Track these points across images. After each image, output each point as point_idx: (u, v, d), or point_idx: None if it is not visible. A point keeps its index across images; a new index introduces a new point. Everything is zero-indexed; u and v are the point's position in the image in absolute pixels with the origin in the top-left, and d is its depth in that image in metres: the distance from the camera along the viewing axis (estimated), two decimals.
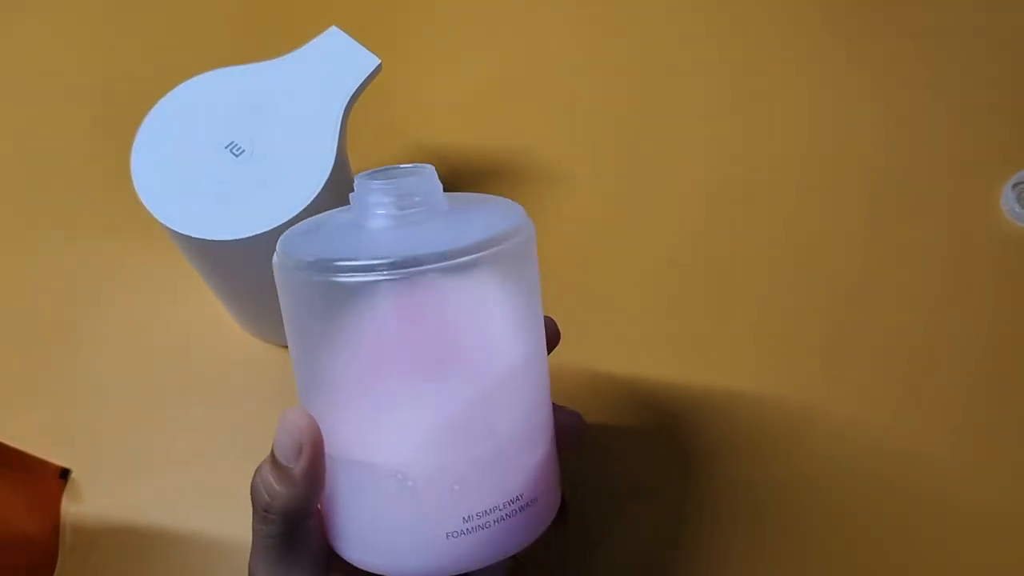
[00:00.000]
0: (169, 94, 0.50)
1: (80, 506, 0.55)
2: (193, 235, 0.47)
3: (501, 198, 0.40)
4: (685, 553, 0.53)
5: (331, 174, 0.48)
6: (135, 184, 0.48)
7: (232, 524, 0.54)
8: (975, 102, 0.65)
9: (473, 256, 0.33)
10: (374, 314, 0.33)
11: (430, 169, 0.37)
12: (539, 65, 0.68)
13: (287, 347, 0.57)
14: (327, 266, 0.33)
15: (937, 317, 0.59)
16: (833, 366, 0.58)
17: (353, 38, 0.50)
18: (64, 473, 0.56)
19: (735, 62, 0.68)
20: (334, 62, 0.50)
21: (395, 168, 0.37)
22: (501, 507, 0.35)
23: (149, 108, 0.50)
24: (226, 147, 0.48)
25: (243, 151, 0.48)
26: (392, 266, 0.33)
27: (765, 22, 0.69)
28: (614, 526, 0.54)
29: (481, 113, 0.66)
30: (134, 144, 0.49)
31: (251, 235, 0.46)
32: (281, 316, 0.54)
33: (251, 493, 0.38)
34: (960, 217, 0.62)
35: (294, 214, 0.47)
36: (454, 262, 0.33)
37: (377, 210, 0.36)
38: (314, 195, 0.47)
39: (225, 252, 0.48)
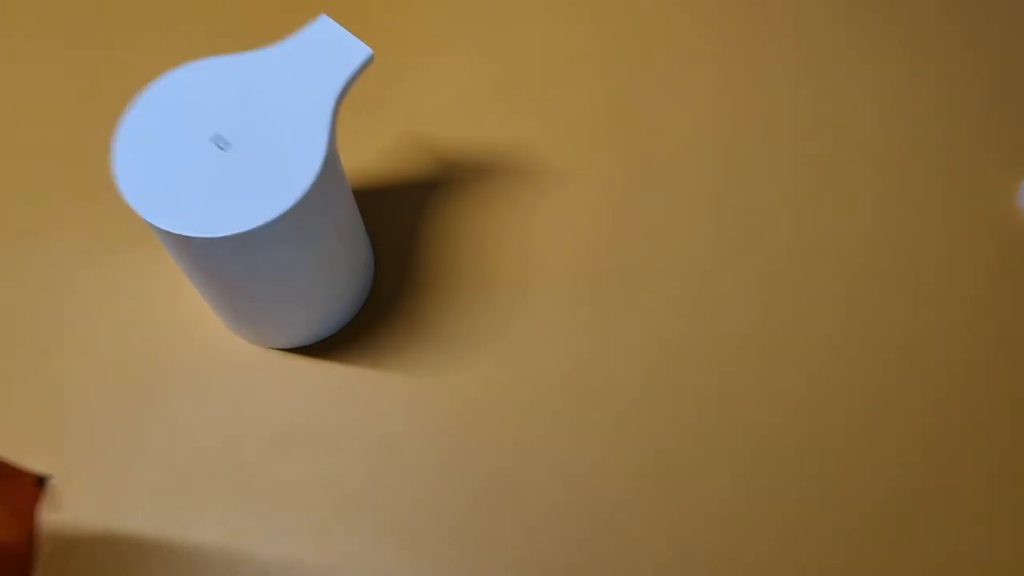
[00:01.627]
0: (152, 85, 0.50)
1: (58, 514, 0.55)
2: (177, 232, 0.47)
3: None
4: None
5: (322, 168, 0.48)
6: (117, 179, 0.48)
7: (218, 530, 0.54)
8: (986, 102, 0.65)
9: None
10: None
11: None
12: (535, 58, 0.68)
13: (275, 348, 0.59)
14: None
15: (935, 313, 0.59)
16: (840, 363, 0.57)
17: (344, 27, 0.50)
18: (41, 480, 0.55)
19: (736, 59, 0.68)
20: (324, 52, 0.50)
21: None
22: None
23: (131, 100, 0.49)
24: (212, 140, 0.48)
25: (229, 144, 0.48)
26: None
27: (767, 19, 0.69)
28: None
29: (475, 105, 0.66)
30: (116, 138, 0.49)
31: (238, 232, 0.46)
32: (270, 317, 0.56)
33: None
34: (974, 216, 0.62)
35: (283, 210, 0.47)
36: None
37: None
38: (304, 190, 0.47)
39: (211, 250, 0.48)
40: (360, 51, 0.50)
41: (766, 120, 0.65)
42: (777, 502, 0.54)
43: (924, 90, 0.66)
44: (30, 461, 0.56)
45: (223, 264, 0.49)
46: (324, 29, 0.50)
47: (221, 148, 0.48)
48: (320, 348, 0.59)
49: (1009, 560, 0.53)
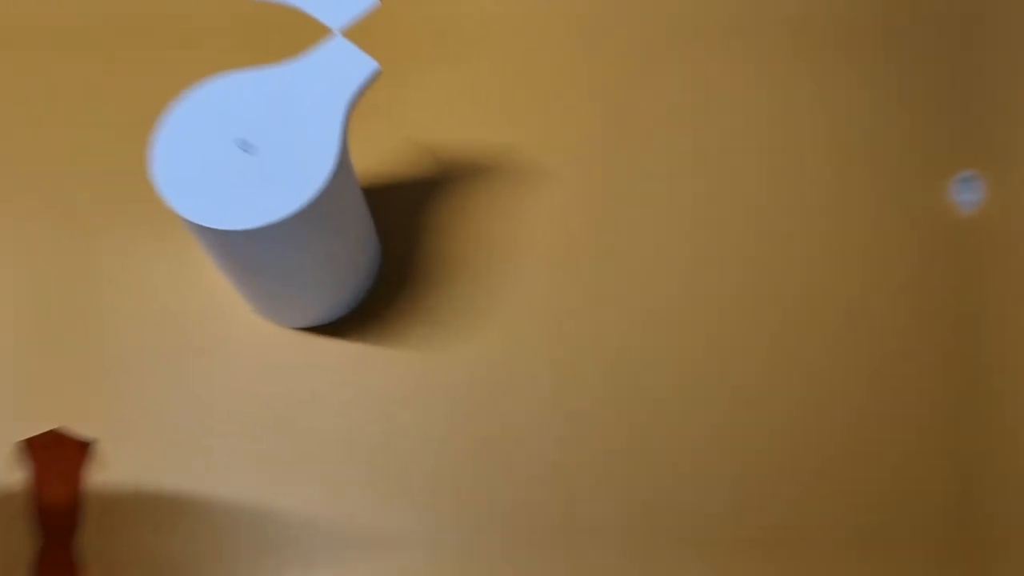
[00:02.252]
0: (185, 96, 0.51)
1: (103, 475, 0.57)
2: (208, 225, 0.48)
3: None
4: None
5: (334, 169, 0.49)
6: (155, 179, 0.49)
7: (244, 488, 0.55)
8: (921, 105, 0.66)
9: None
10: None
11: None
12: (530, 66, 0.68)
13: (294, 328, 0.60)
14: None
15: (902, 316, 0.60)
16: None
17: (353, 43, 0.52)
18: (87, 445, 0.58)
19: (721, 64, 0.68)
20: (336, 66, 0.51)
21: None
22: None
23: (167, 109, 0.51)
24: (237, 144, 0.50)
25: (253, 148, 0.49)
26: None
27: (747, 28, 0.69)
28: None
29: (473, 111, 0.66)
30: (155, 142, 0.50)
31: (261, 225, 0.48)
32: (289, 300, 0.56)
33: None
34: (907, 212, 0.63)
35: (300, 206, 0.48)
36: None
37: None
38: (319, 188, 0.48)
39: (237, 241, 0.49)
40: (368, 65, 0.51)
41: (750, 120, 0.66)
42: (757, 452, 0.57)
43: (864, 93, 0.66)
44: (78, 428, 0.57)
45: (247, 253, 0.51)
46: (336, 45, 0.52)
47: (246, 151, 0.50)
48: (333, 327, 0.60)
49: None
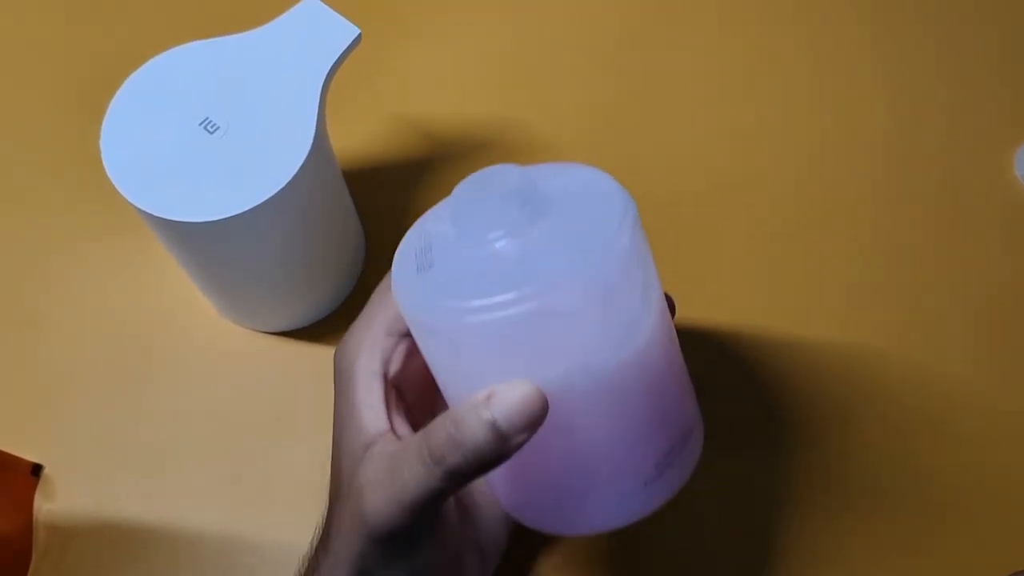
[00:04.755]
0: (139, 69, 0.50)
1: (53, 503, 0.55)
2: (167, 217, 0.47)
3: (581, 171, 0.42)
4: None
5: (311, 151, 0.48)
6: (105, 164, 0.48)
7: (213, 516, 0.55)
8: (984, 72, 0.66)
9: (608, 272, 0.37)
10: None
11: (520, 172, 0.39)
12: (523, 36, 0.68)
13: (267, 333, 0.60)
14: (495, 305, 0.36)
15: (946, 278, 0.60)
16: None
17: (331, 7, 0.50)
18: (36, 469, 0.56)
19: (734, 34, 0.68)
20: (312, 33, 0.50)
21: (494, 177, 0.39)
22: (678, 446, 0.41)
23: (119, 84, 0.50)
24: (200, 124, 0.49)
25: (218, 128, 0.48)
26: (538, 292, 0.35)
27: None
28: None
29: (464, 85, 0.66)
30: (103, 122, 0.49)
31: (228, 216, 0.46)
32: (261, 301, 0.56)
33: (436, 433, 0.37)
34: (972, 182, 0.63)
35: (273, 193, 0.47)
36: (594, 283, 0.36)
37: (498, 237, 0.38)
38: (294, 173, 0.47)
39: (200, 234, 0.48)
40: (348, 31, 0.50)
41: (765, 89, 0.65)
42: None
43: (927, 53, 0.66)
44: (22, 452, 0.56)
45: (213, 248, 0.50)
46: (311, 9, 0.50)
47: (209, 132, 0.48)
48: (311, 331, 0.59)
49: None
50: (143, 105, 0.49)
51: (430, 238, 0.40)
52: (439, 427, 0.37)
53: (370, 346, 0.43)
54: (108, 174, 0.48)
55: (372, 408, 0.41)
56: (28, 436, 0.57)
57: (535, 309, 0.35)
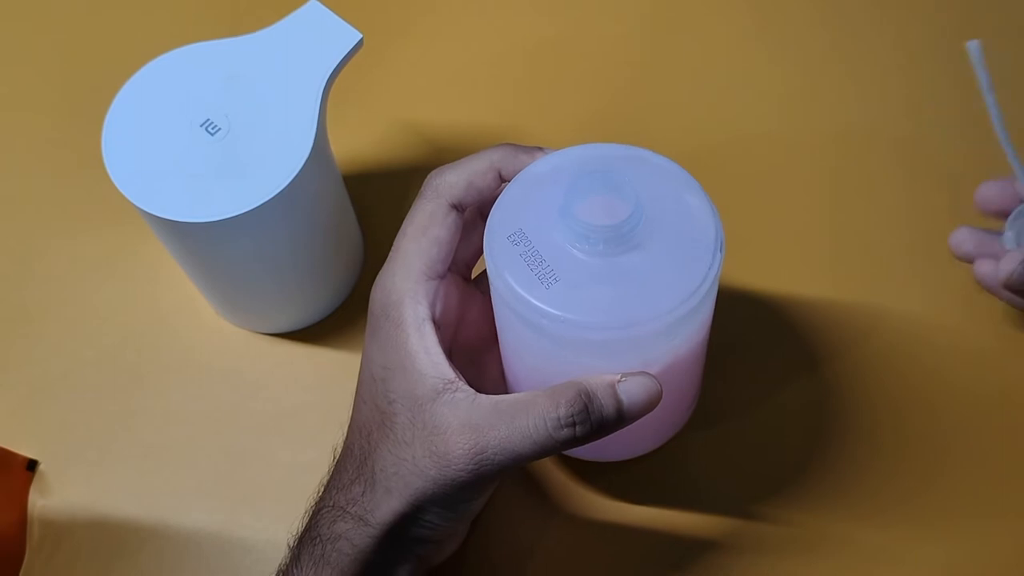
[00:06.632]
0: (141, 70, 0.51)
1: (48, 499, 0.55)
2: (168, 217, 0.47)
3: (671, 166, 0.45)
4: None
5: (311, 153, 0.48)
6: (106, 164, 0.48)
7: (208, 516, 0.54)
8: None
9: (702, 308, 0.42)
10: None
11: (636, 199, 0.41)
12: (526, 40, 0.68)
13: (265, 334, 0.59)
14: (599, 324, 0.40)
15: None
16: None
17: (333, 11, 0.51)
18: (31, 465, 0.56)
19: (734, 34, 0.67)
20: (314, 37, 0.50)
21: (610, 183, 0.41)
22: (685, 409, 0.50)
23: (120, 85, 0.50)
24: (201, 125, 0.49)
25: (219, 129, 0.49)
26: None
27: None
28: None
29: (464, 89, 0.66)
30: (105, 123, 0.49)
31: (229, 217, 0.47)
32: (261, 303, 0.56)
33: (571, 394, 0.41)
34: None
35: (273, 194, 0.47)
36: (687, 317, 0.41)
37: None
38: (294, 175, 0.47)
39: (200, 235, 0.48)
40: (350, 35, 0.50)
41: (764, 99, 0.65)
42: None
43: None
44: (18, 447, 0.56)
45: (213, 249, 0.50)
46: (313, 13, 0.51)
47: (210, 133, 0.48)
48: (310, 333, 0.59)
49: None
50: (145, 106, 0.49)
51: (538, 234, 0.42)
52: (574, 398, 0.40)
53: (413, 292, 0.43)
54: (109, 174, 0.48)
55: (430, 354, 0.42)
56: (23, 432, 0.57)
57: (642, 332, 0.40)
